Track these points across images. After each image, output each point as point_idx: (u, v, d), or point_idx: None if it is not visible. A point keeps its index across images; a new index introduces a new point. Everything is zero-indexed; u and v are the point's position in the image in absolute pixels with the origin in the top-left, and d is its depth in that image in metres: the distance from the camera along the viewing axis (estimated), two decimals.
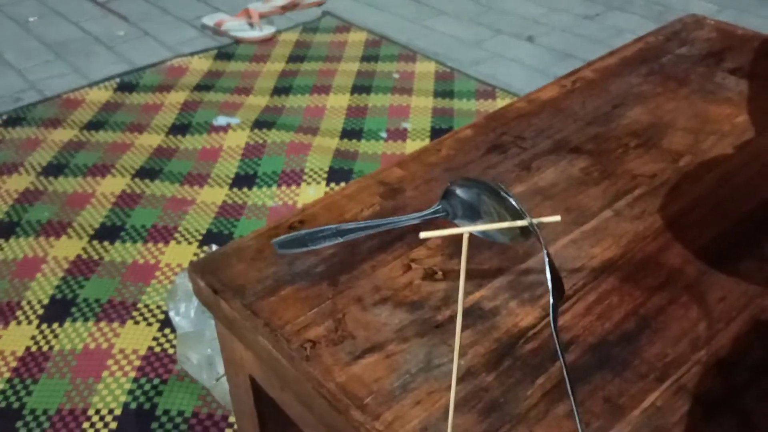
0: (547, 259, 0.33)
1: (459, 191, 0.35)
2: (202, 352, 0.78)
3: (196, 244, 1.05)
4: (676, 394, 0.44)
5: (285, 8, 2.01)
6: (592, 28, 1.89)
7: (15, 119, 1.50)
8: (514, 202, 0.32)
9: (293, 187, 1.24)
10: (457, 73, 1.64)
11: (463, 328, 0.49)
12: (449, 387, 0.38)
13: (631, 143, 0.68)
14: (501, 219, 0.37)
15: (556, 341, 0.36)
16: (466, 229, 0.27)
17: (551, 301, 0.35)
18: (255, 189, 1.25)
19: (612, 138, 0.69)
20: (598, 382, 0.45)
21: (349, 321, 0.50)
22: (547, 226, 0.58)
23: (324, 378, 0.46)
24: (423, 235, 0.29)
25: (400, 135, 1.40)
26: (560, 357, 0.35)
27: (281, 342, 0.49)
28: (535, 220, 0.32)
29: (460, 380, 0.46)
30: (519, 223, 0.30)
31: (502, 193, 0.33)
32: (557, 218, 0.33)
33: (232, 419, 0.82)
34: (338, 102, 1.52)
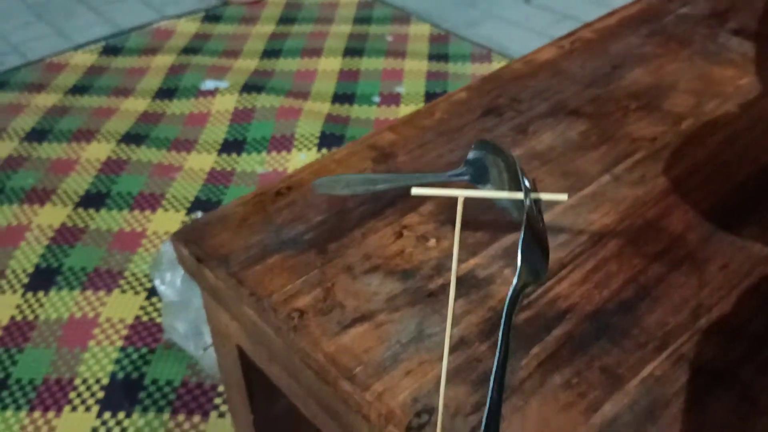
0: (522, 236, 0.31)
1: (483, 156, 0.32)
2: (189, 322, 0.76)
3: (183, 211, 1.03)
4: (675, 364, 0.43)
5: None
6: None
7: None
8: (522, 177, 0.30)
9: (284, 153, 1.21)
10: (452, 36, 1.60)
11: (457, 296, 0.47)
12: (441, 357, 0.36)
13: (631, 106, 0.66)
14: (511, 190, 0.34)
15: (500, 339, 0.32)
16: (461, 193, 0.25)
17: (514, 282, 0.32)
18: (244, 155, 1.22)
19: (611, 100, 0.67)
20: (596, 351, 0.44)
21: (338, 290, 0.48)
22: (545, 189, 0.56)
23: (312, 349, 0.44)
24: (414, 191, 0.27)
25: (393, 99, 1.37)
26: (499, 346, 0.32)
27: (268, 312, 0.47)
28: (541, 196, 0.30)
29: (452, 350, 0.44)
30: (516, 195, 0.28)
31: (513, 165, 0.31)
32: (564, 197, 0.31)
33: (221, 388, 0.80)
34: (330, 65, 1.48)
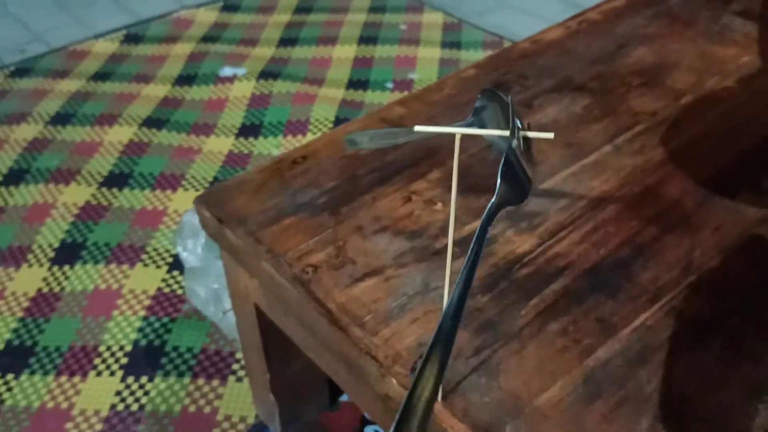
0: (503, 160, 0.32)
1: (485, 104, 0.34)
2: (209, 286, 0.80)
3: (202, 191, 1.06)
4: (666, 315, 0.45)
5: None
6: None
7: (22, 70, 1.50)
8: (512, 115, 0.32)
9: (299, 137, 1.24)
10: (464, 24, 1.62)
11: (460, 254, 0.50)
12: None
13: (634, 82, 0.68)
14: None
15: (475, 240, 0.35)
16: (457, 130, 0.28)
17: (492, 199, 0.34)
18: (261, 138, 1.25)
19: (615, 77, 0.69)
20: (591, 304, 0.46)
21: (350, 248, 0.51)
22: (548, 159, 0.59)
23: (325, 299, 0.47)
24: (417, 128, 0.30)
25: (406, 85, 1.39)
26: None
27: (284, 267, 0.50)
28: (528, 134, 0.32)
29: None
30: (504, 132, 0.30)
31: (504, 103, 0.33)
32: (550, 135, 0.33)
33: (239, 355, 0.84)
34: (344, 53, 1.51)
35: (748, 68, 0.70)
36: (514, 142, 0.31)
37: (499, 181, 0.32)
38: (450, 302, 0.33)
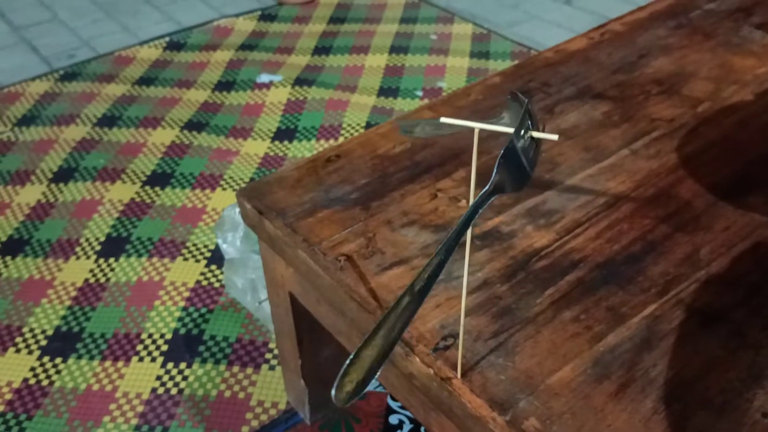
0: (502, 152, 0.35)
1: (511, 105, 0.38)
2: (247, 277, 0.85)
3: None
4: (674, 306, 0.48)
5: None
6: None
7: (71, 74, 1.58)
8: (525, 114, 0.35)
9: (331, 141, 1.29)
10: (493, 35, 1.66)
11: (481, 247, 0.54)
12: (467, 294, 0.43)
13: (653, 90, 0.71)
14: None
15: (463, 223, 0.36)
16: (476, 125, 0.32)
17: (486, 186, 0.35)
18: (295, 142, 1.30)
19: (635, 85, 0.73)
20: (603, 294, 0.50)
21: (379, 239, 0.56)
22: (568, 160, 0.62)
23: (355, 285, 0.52)
24: (443, 120, 0.34)
25: (435, 93, 1.44)
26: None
27: (318, 255, 0.55)
28: (533, 133, 0.36)
29: (476, 290, 0.51)
30: (508, 129, 0.34)
31: (523, 105, 0.36)
32: (554, 137, 0.36)
33: (272, 345, 0.88)
34: (376, 62, 1.56)
35: (765, 79, 0.72)
36: (521, 141, 0.35)
37: (495, 169, 0.35)
38: (429, 264, 0.36)
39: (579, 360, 0.45)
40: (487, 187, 0.35)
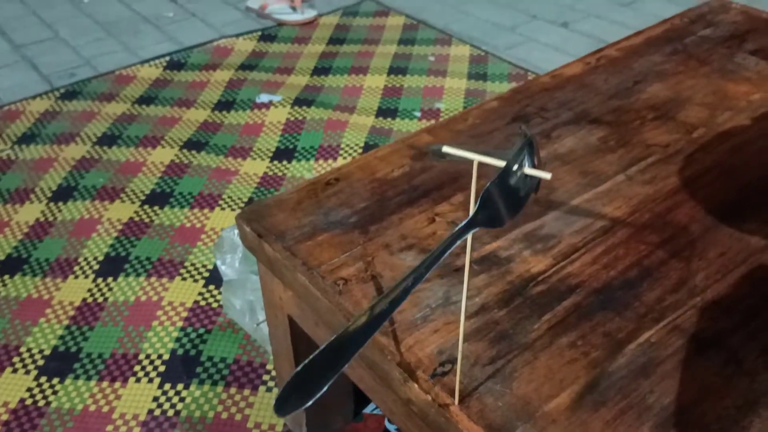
0: (488, 185, 0.34)
1: (519, 138, 0.38)
2: (245, 298, 0.85)
3: (239, 210, 1.12)
4: (670, 333, 0.49)
5: None
6: (628, 15, 1.90)
7: (71, 93, 1.59)
8: (520, 148, 0.36)
9: (330, 161, 1.30)
10: (490, 57, 1.68)
11: (479, 272, 0.54)
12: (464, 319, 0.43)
13: (649, 116, 0.72)
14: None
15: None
16: (475, 157, 0.33)
17: (465, 220, 0.35)
18: (294, 162, 1.31)
19: (631, 111, 0.73)
20: (600, 319, 0.50)
21: (378, 263, 0.56)
22: (564, 185, 0.63)
23: (354, 308, 0.52)
24: (445, 149, 0.35)
25: (433, 114, 1.45)
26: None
27: (317, 278, 0.55)
28: (526, 170, 0.36)
29: (474, 315, 0.51)
30: (499, 163, 0.34)
31: (524, 144, 0.36)
32: (548, 175, 0.37)
33: (269, 366, 0.88)
34: (375, 82, 1.57)
35: (759, 105, 0.73)
36: (514, 178, 0.35)
37: (478, 203, 0.35)
38: (394, 288, 0.35)
39: (576, 386, 0.45)
40: (463, 223, 0.35)
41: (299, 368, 0.34)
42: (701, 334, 0.49)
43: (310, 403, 0.33)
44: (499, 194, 0.34)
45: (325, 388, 0.34)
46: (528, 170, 0.34)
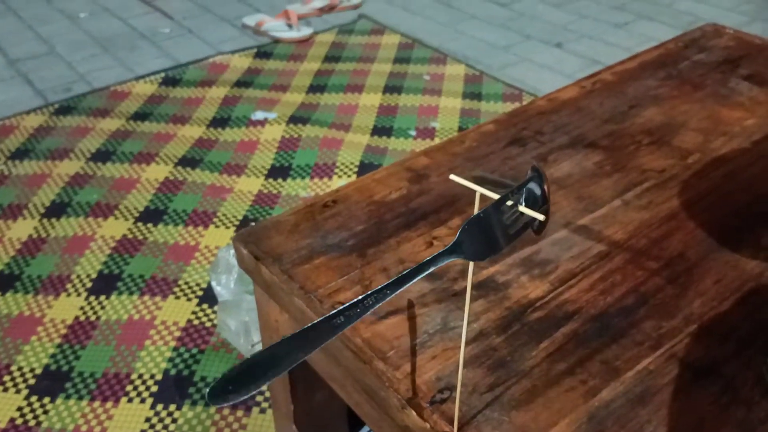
0: (472, 217, 0.34)
1: (528, 174, 0.38)
2: (240, 319, 0.84)
3: (233, 228, 1.12)
4: (667, 360, 0.49)
5: (322, 10, 2.08)
6: (621, 36, 1.93)
7: (66, 108, 1.59)
8: (522, 184, 0.36)
9: (325, 179, 1.30)
10: (485, 76, 1.69)
11: (477, 297, 0.54)
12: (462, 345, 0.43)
13: (644, 141, 0.73)
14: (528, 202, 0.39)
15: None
16: (478, 189, 0.33)
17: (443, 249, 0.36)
18: (289, 180, 1.31)
19: (626, 135, 0.74)
20: (597, 346, 0.50)
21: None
22: (560, 210, 0.63)
23: (352, 334, 0.52)
24: (452, 177, 0.35)
25: (428, 133, 1.46)
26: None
27: (314, 303, 0.55)
28: (521, 208, 0.36)
29: (472, 341, 0.51)
30: (494, 195, 0.34)
31: (526, 181, 0.36)
32: (541, 216, 0.37)
33: (263, 388, 0.88)
34: (370, 101, 1.58)
35: (754, 130, 0.74)
36: (506, 214, 0.35)
37: (458, 234, 0.35)
38: (353, 304, 0.36)
39: (574, 415, 0.45)
40: (440, 251, 0.35)
41: (241, 363, 0.35)
42: (697, 362, 0.49)
43: (247, 397, 0.34)
44: (482, 228, 0.34)
45: (264, 385, 0.35)
46: (522, 208, 0.35)
